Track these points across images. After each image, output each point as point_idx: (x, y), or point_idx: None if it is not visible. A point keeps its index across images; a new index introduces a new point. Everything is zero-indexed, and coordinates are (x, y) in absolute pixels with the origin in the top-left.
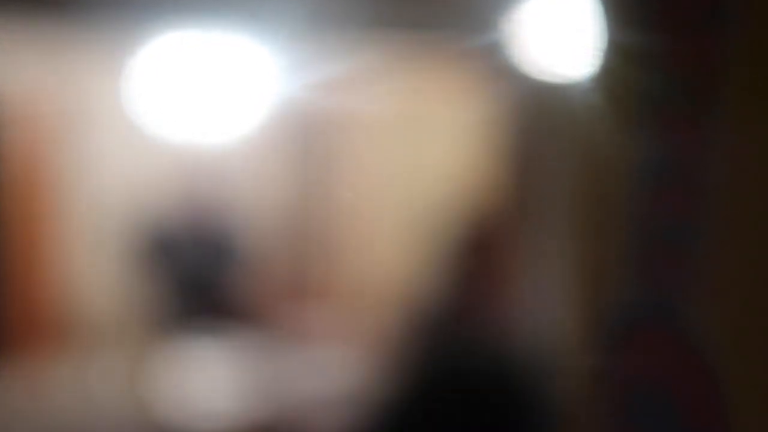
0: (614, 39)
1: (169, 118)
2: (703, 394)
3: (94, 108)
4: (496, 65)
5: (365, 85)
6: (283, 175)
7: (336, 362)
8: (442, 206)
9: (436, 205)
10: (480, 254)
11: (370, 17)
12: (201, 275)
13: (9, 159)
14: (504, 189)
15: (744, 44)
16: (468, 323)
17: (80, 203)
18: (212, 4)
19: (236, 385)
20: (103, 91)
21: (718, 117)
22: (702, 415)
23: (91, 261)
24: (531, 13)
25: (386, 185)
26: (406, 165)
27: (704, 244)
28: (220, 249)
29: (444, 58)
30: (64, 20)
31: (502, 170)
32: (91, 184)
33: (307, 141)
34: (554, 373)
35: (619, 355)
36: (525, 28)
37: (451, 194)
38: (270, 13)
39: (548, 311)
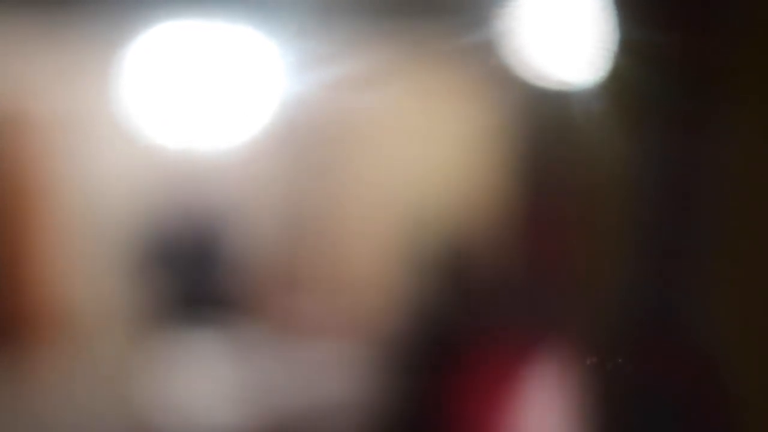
0: (620, 39)
1: (166, 113)
2: (707, 394)
3: (88, 104)
4: (497, 65)
5: (368, 84)
6: (283, 171)
7: (334, 359)
8: (438, 206)
9: (432, 205)
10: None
11: (373, 8)
12: (196, 275)
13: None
14: (505, 190)
15: (750, 45)
16: None
17: (72, 201)
18: None
19: (233, 383)
20: (95, 87)
21: (724, 117)
22: (706, 413)
23: (83, 261)
24: (533, 12)
25: (385, 183)
26: (404, 164)
27: (710, 244)
28: (215, 247)
29: (447, 58)
30: (53, 16)
31: (503, 171)
32: (84, 182)
33: (307, 138)
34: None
35: (624, 356)
36: (528, 26)
37: (448, 194)
38: (276, 1)
39: (551, 313)
